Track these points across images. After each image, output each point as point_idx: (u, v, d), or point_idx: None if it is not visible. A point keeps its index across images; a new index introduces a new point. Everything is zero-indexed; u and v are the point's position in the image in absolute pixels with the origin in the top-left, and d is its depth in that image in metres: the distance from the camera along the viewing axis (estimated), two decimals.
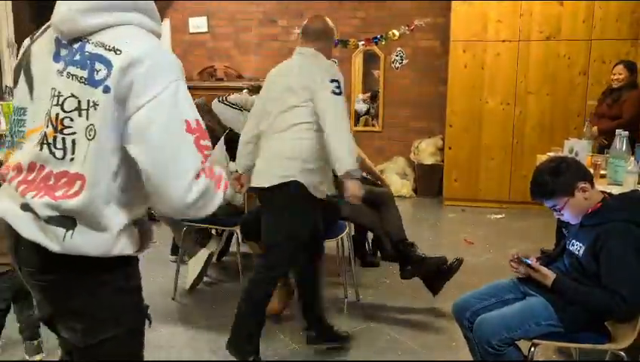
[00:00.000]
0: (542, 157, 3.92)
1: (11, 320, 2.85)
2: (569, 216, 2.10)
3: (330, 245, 3.77)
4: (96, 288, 1.26)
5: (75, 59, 1.18)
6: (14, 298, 2.65)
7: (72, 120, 1.17)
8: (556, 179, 2.04)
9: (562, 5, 5.60)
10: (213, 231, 3.97)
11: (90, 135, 1.16)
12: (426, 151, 6.45)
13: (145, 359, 1.43)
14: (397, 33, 6.61)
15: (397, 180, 6.40)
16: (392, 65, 6.71)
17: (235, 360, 2.60)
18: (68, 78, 1.18)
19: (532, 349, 2.04)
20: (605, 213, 2.02)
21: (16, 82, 1.34)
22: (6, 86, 5.13)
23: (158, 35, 1.27)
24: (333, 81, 2.50)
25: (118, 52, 1.15)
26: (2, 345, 2.78)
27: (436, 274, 3.18)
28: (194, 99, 1.27)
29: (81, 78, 1.16)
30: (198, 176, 1.18)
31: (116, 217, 1.23)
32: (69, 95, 1.17)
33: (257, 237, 3.23)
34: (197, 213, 1.20)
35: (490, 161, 5.97)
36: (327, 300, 3.40)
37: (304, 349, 2.89)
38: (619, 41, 5.51)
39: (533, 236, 4.78)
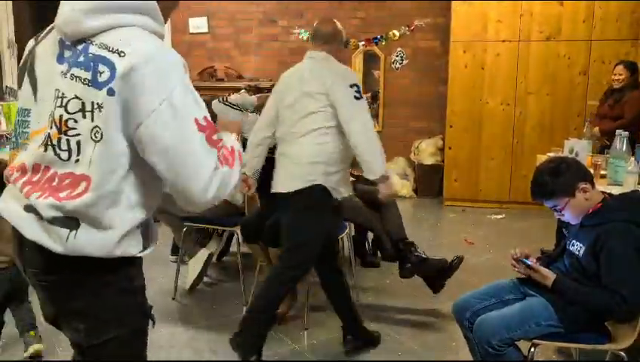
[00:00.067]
0: (542, 158, 3.91)
1: (12, 320, 2.86)
2: (569, 216, 2.10)
3: None
4: (100, 289, 1.26)
5: (78, 60, 1.19)
6: (10, 296, 2.67)
7: (76, 121, 1.17)
8: (556, 179, 2.04)
9: (562, 5, 5.60)
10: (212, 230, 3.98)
11: (96, 137, 1.16)
12: (426, 151, 6.45)
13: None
14: (397, 33, 6.61)
15: (397, 180, 6.40)
16: (392, 65, 6.71)
17: (236, 359, 2.60)
18: (72, 79, 1.18)
19: (532, 349, 2.04)
20: (605, 213, 2.02)
21: (20, 84, 1.35)
22: (6, 86, 5.14)
23: (161, 36, 1.28)
24: (352, 86, 2.53)
25: (122, 54, 1.15)
26: (2, 345, 2.79)
27: (437, 273, 3.18)
28: None
29: (84, 79, 1.17)
30: (215, 168, 1.21)
31: (121, 218, 1.23)
32: (73, 96, 1.17)
33: (258, 239, 3.23)
34: (218, 200, 1.26)
35: (491, 161, 5.97)
36: (326, 300, 3.41)
37: (304, 349, 2.89)
38: (619, 42, 5.51)
39: (534, 236, 4.77)
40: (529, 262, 2.09)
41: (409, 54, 6.66)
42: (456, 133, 6.01)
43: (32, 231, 1.21)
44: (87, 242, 1.20)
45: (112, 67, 1.15)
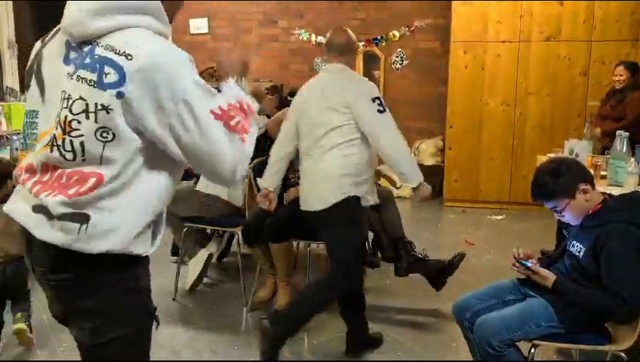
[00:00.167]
0: (542, 158, 3.91)
1: (12, 320, 2.87)
2: (570, 217, 2.10)
3: None
4: (106, 288, 1.27)
5: (85, 62, 1.19)
6: (4, 291, 2.74)
7: (79, 122, 1.18)
8: (557, 180, 2.04)
9: (562, 6, 5.60)
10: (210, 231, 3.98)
11: (104, 137, 1.17)
12: (426, 151, 6.45)
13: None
14: (397, 34, 6.61)
15: (397, 181, 6.40)
16: (393, 66, 6.72)
17: (236, 359, 2.59)
18: (78, 81, 1.19)
19: (532, 350, 2.04)
20: (605, 214, 2.02)
21: (27, 85, 1.35)
22: (7, 87, 5.14)
23: (166, 37, 1.28)
24: (374, 100, 2.54)
25: (129, 57, 1.16)
26: (2, 345, 2.79)
27: (436, 272, 3.19)
28: None
29: (90, 81, 1.17)
30: (237, 150, 1.24)
31: (133, 214, 1.24)
32: (78, 97, 1.18)
33: (258, 242, 3.24)
34: (246, 172, 1.30)
35: (491, 162, 5.97)
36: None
37: (304, 350, 2.89)
38: (619, 42, 5.51)
39: (534, 237, 4.77)
40: (529, 264, 2.09)
41: (409, 55, 6.67)
42: (457, 133, 6.01)
43: (41, 230, 1.22)
44: (98, 237, 1.20)
45: (119, 70, 1.15)
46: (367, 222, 2.73)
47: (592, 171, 2.59)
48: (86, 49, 1.21)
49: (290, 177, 3.52)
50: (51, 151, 1.20)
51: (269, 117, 3.74)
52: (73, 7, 1.23)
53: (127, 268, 1.28)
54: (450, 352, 2.84)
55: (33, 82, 1.32)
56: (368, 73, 6.82)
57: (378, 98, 2.56)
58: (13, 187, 1.36)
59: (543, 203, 2.14)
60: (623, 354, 2.00)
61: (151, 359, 1.43)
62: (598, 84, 5.52)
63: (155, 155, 1.23)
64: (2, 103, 4.49)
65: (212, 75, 7.03)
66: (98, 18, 1.19)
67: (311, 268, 3.27)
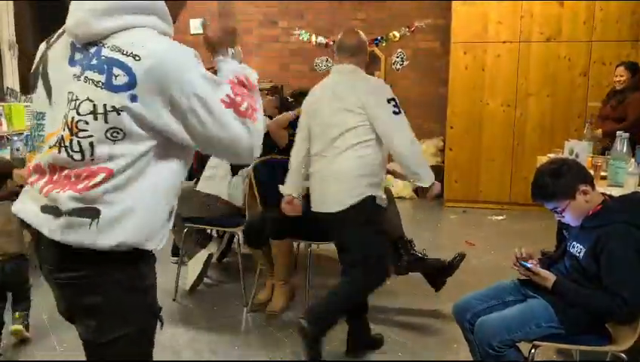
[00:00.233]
0: (542, 159, 3.91)
1: (12, 321, 2.87)
2: (570, 218, 2.10)
3: (330, 247, 3.78)
4: (112, 286, 1.27)
5: (91, 63, 1.20)
6: (3, 289, 2.77)
7: (87, 123, 1.18)
8: (557, 181, 2.04)
9: (562, 6, 5.60)
10: (214, 233, 3.98)
11: (115, 137, 1.18)
12: (426, 152, 6.45)
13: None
14: (397, 34, 6.61)
15: (398, 181, 6.40)
16: (393, 66, 6.72)
17: (236, 360, 2.59)
18: (85, 82, 1.19)
19: (532, 351, 2.04)
20: (606, 214, 2.02)
21: (34, 87, 1.36)
22: (7, 87, 5.13)
23: (170, 37, 1.29)
24: (390, 100, 2.55)
25: (137, 58, 1.17)
26: (3, 345, 2.79)
27: (435, 271, 3.19)
28: None
29: (98, 82, 1.18)
30: (251, 132, 1.27)
31: (143, 206, 1.24)
32: (85, 99, 1.18)
33: (260, 244, 3.24)
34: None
35: (491, 163, 5.97)
36: None
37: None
38: (619, 43, 5.52)
39: (534, 238, 4.77)
40: (529, 265, 2.09)
41: (409, 55, 6.67)
42: (457, 134, 6.02)
43: (49, 229, 1.22)
44: (110, 231, 1.21)
45: (128, 71, 1.16)
46: (383, 221, 2.74)
47: (592, 172, 2.59)
48: (92, 50, 1.21)
49: None
50: (59, 152, 1.21)
51: (270, 118, 3.74)
52: (77, 7, 1.23)
53: (134, 266, 1.29)
54: (450, 353, 2.85)
55: (39, 84, 1.33)
56: (369, 74, 6.81)
57: (393, 99, 2.57)
58: (21, 187, 1.38)
59: (544, 204, 2.14)
60: (623, 355, 2.00)
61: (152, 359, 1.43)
62: (599, 84, 5.52)
63: (165, 145, 1.25)
64: (2, 104, 4.48)
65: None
66: (103, 19, 1.20)
67: (311, 268, 3.27)
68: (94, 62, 1.19)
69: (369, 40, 6.96)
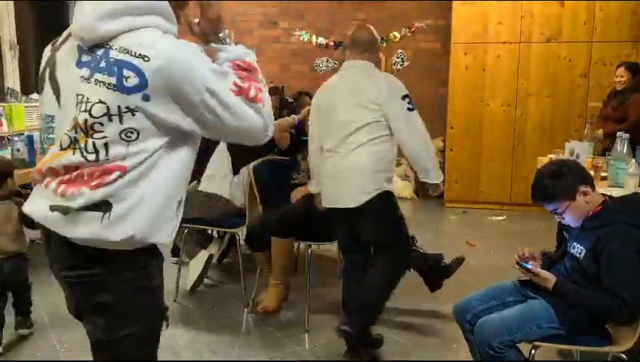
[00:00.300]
0: (543, 159, 3.92)
1: (12, 321, 2.87)
2: (570, 219, 2.10)
3: (330, 247, 3.78)
4: (121, 285, 1.29)
5: (100, 65, 1.21)
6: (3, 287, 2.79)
7: (102, 125, 1.19)
8: (557, 182, 2.04)
9: (563, 7, 5.61)
10: (215, 233, 3.98)
11: (129, 137, 1.20)
12: None
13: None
14: (398, 35, 6.62)
15: (398, 182, 6.41)
16: (393, 67, 6.72)
17: (237, 359, 2.59)
18: (96, 84, 1.20)
19: (533, 351, 2.04)
20: (606, 215, 2.02)
21: (40, 90, 1.37)
22: (7, 87, 5.14)
23: (174, 35, 1.30)
24: (404, 97, 2.57)
25: (146, 59, 1.18)
26: (3, 345, 2.79)
27: (433, 270, 3.20)
28: None
29: (109, 84, 1.19)
30: (263, 114, 1.31)
31: (155, 197, 1.26)
32: (97, 101, 1.19)
33: (263, 248, 3.24)
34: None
35: (491, 163, 5.97)
36: (327, 302, 3.41)
37: (305, 351, 2.89)
38: (619, 43, 5.52)
39: (534, 238, 4.77)
40: (529, 266, 2.09)
41: (410, 56, 6.67)
42: (457, 134, 6.02)
43: (60, 226, 1.24)
44: (121, 223, 1.22)
45: (138, 72, 1.18)
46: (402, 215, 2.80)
47: (592, 172, 2.59)
48: (99, 52, 1.22)
49: (294, 177, 3.53)
50: (73, 153, 1.22)
51: None
52: (82, 11, 1.24)
53: (143, 266, 1.32)
54: (450, 353, 2.85)
55: (47, 87, 1.33)
56: None
57: (407, 96, 2.59)
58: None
59: (544, 205, 2.14)
60: (623, 356, 2.00)
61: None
62: (599, 85, 5.53)
63: (175, 138, 1.27)
64: (3, 104, 4.48)
65: None
66: (108, 21, 1.21)
67: (312, 269, 3.27)
68: (103, 64, 1.20)
69: None
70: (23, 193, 2.91)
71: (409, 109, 2.56)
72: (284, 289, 3.31)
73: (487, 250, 4.55)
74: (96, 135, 1.20)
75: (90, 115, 1.19)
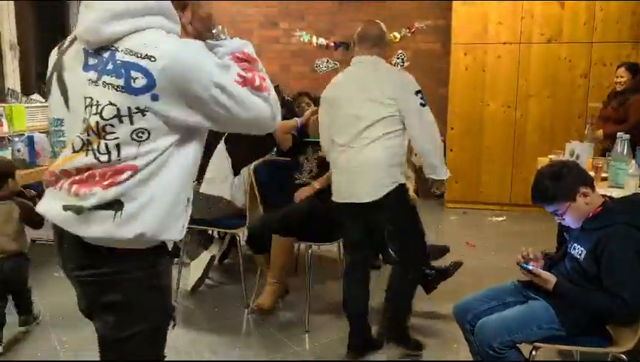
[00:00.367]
0: (543, 160, 3.92)
1: (12, 320, 2.87)
2: (570, 220, 2.10)
3: (330, 248, 3.78)
4: (131, 284, 1.31)
5: (107, 68, 1.22)
6: (4, 286, 2.80)
7: (113, 126, 1.21)
8: (557, 184, 2.04)
9: (563, 7, 5.61)
10: (216, 234, 3.98)
11: (140, 137, 1.22)
12: None
13: None
14: (398, 36, 6.61)
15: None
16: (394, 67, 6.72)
17: (237, 359, 2.60)
18: (104, 87, 1.21)
19: (533, 352, 2.04)
20: (606, 216, 2.02)
21: (48, 93, 1.38)
22: (8, 88, 5.13)
23: (177, 35, 1.32)
24: (417, 93, 2.59)
25: (153, 59, 1.19)
26: (3, 345, 2.80)
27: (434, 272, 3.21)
28: None
29: (117, 86, 1.20)
30: (270, 103, 1.33)
31: (165, 194, 1.27)
32: (107, 103, 1.21)
33: (264, 250, 3.23)
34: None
35: (492, 164, 5.97)
36: (328, 303, 3.41)
37: (305, 352, 2.89)
38: (620, 44, 5.51)
39: (535, 239, 4.76)
40: (529, 267, 2.09)
41: (410, 56, 6.66)
42: (457, 135, 6.02)
43: (73, 225, 1.25)
44: (133, 221, 1.24)
45: (146, 73, 1.19)
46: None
47: (592, 173, 2.59)
48: (105, 55, 1.23)
49: (297, 177, 3.52)
50: (86, 155, 1.24)
51: None
52: (86, 14, 1.25)
53: (152, 265, 1.34)
54: (450, 353, 2.85)
55: (55, 90, 1.35)
56: None
57: (420, 91, 2.60)
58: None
59: (544, 207, 2.14)
60: (623, 356, 2.00)
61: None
62: (599, 85, 5.52)
63: (185, 135, 1.29)
64: (3, 105, 4.48)
65: None
66: (112, 23, 1.22)
67: (312, 269, 3.27)
68: (110, 66, 1.21)
69: None
70: (25, 193, 2.92)
71: (422, 105, 2.58)
72: (280, 288, 3.31)
73: (487, 250, 4.55)
74: (108, 136, 1.21)
75: (102, 117, 1.20)
